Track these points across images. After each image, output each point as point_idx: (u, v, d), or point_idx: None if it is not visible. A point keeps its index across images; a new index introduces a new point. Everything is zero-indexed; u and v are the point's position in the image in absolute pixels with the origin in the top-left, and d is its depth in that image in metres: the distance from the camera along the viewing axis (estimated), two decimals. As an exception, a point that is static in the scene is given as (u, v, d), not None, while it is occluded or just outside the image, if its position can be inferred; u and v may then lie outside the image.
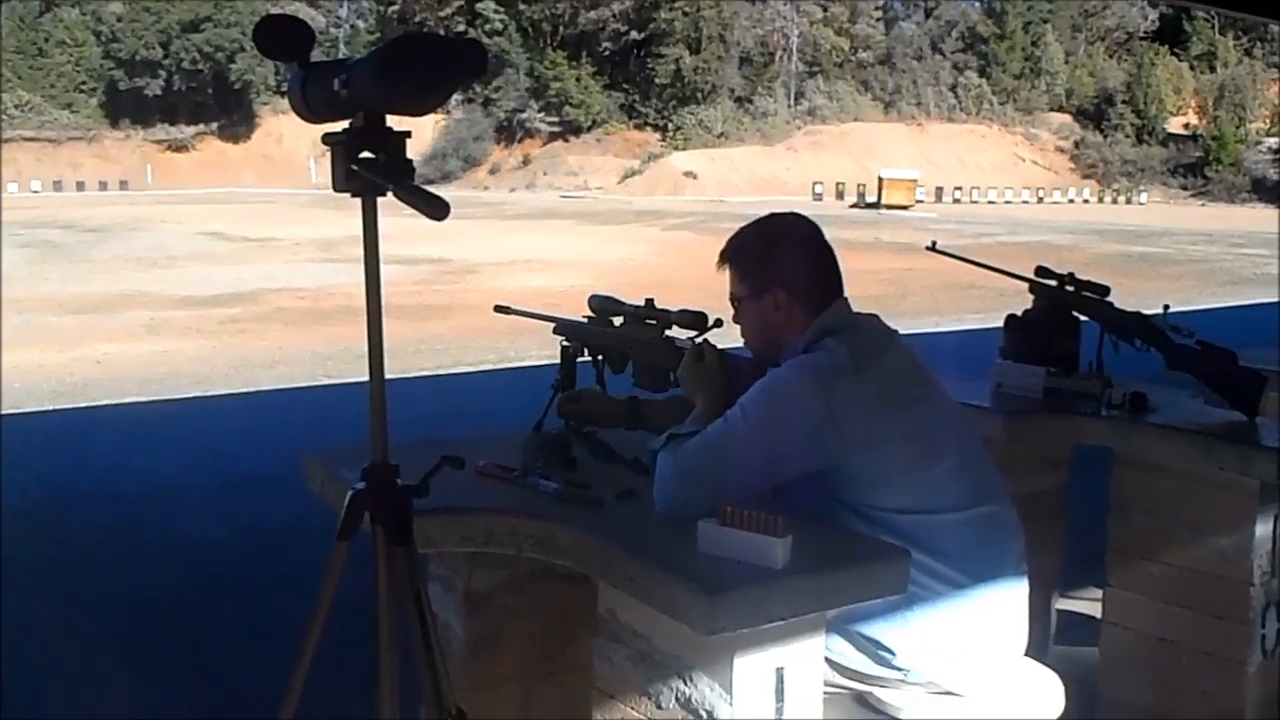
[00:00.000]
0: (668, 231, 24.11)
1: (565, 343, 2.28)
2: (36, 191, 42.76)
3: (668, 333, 2.13)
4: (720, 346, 2.01)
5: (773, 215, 1.98)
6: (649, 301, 2.16)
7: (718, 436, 1.79)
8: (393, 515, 1.56)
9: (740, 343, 2.01)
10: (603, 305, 2.23)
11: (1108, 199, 47.70)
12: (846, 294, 1.95)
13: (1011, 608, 1.89)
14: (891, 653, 1.83)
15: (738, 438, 1.77)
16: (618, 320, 2.21)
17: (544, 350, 8.93)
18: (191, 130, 52.33)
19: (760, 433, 1.77)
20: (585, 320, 2.26)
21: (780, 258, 1.92)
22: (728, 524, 1.63)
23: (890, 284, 14.76)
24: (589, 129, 52.08)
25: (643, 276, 14.94)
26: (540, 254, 18.46)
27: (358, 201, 1.50)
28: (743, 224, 1.98)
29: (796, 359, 1.85)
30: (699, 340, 2.02)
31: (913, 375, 1.91)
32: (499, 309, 2.45)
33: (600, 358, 2.25)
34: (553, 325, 2.31)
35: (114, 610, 3.67)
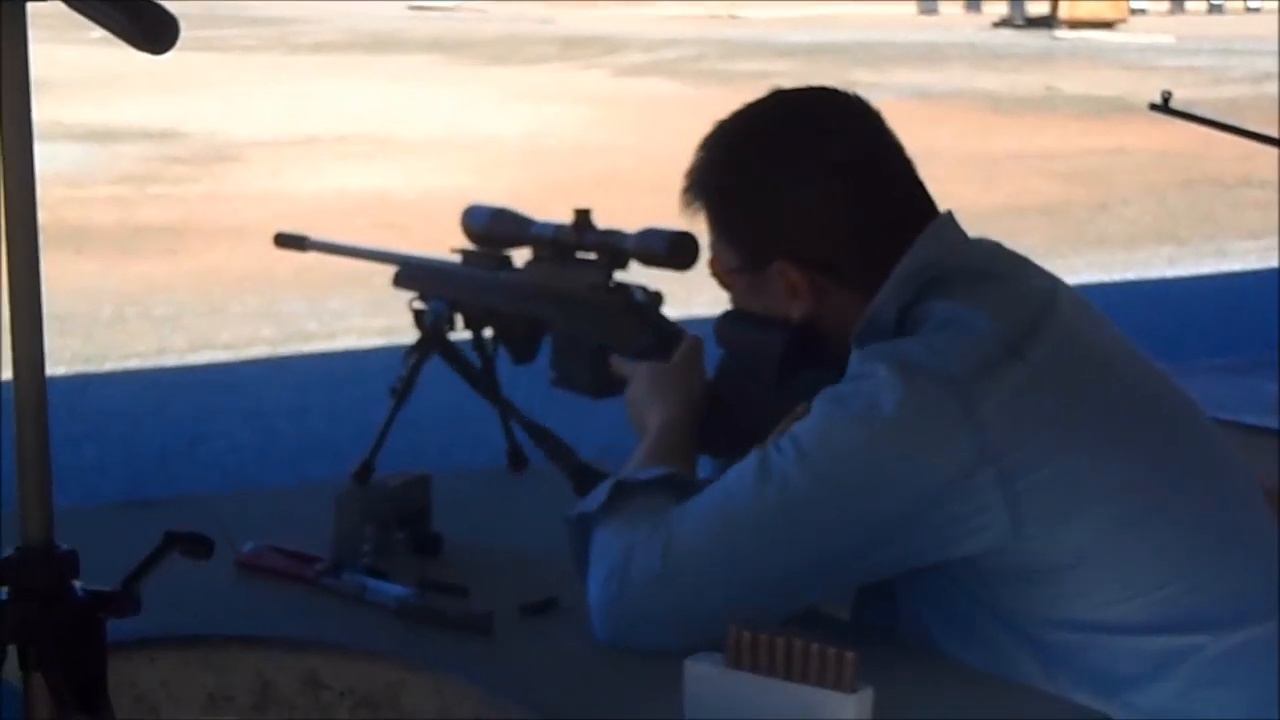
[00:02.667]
0: (622, 79, 23.83)
1: (419, 304, 2.35)
2: None
3: (618, 277, 2.21)
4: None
5: (780, 99, 2.09)
6: (582, 216, 2.23)
7: (747, 507, 1.88)
8: (66, 653, 1.56)
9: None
10: (491, 227, 2.30)
11: None
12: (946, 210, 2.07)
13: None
14: None
15: (793, 509, 1.86)
16: (520, 256, 2.30)
17: (374, 319, 8.85)
18: None
19: (844, 503, 1.85)
20: (457, 259, 2.34)
21: (794, 200, 2.01)
22: (744, 664, 1.66)
23: (1080, 181, 14.57)
24: None
25: (572, 169, 14.63)
26: (369, 122, 18.19)
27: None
28: (753, 100, 2.08)
29: (889, 351, 1.92)
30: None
31: (1105, 361, 1.99)
32: (283, 240, 2.52)
33: (489, 333, 2.34)
34: (395, 270, 2.40)
35: None
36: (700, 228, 2.10)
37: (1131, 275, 9.37)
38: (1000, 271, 1.99)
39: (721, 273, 2.09)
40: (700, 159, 2.07)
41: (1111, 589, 1.87)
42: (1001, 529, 1.84)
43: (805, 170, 2.00)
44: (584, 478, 2.15)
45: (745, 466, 1.90)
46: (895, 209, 2.02)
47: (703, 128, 2.08)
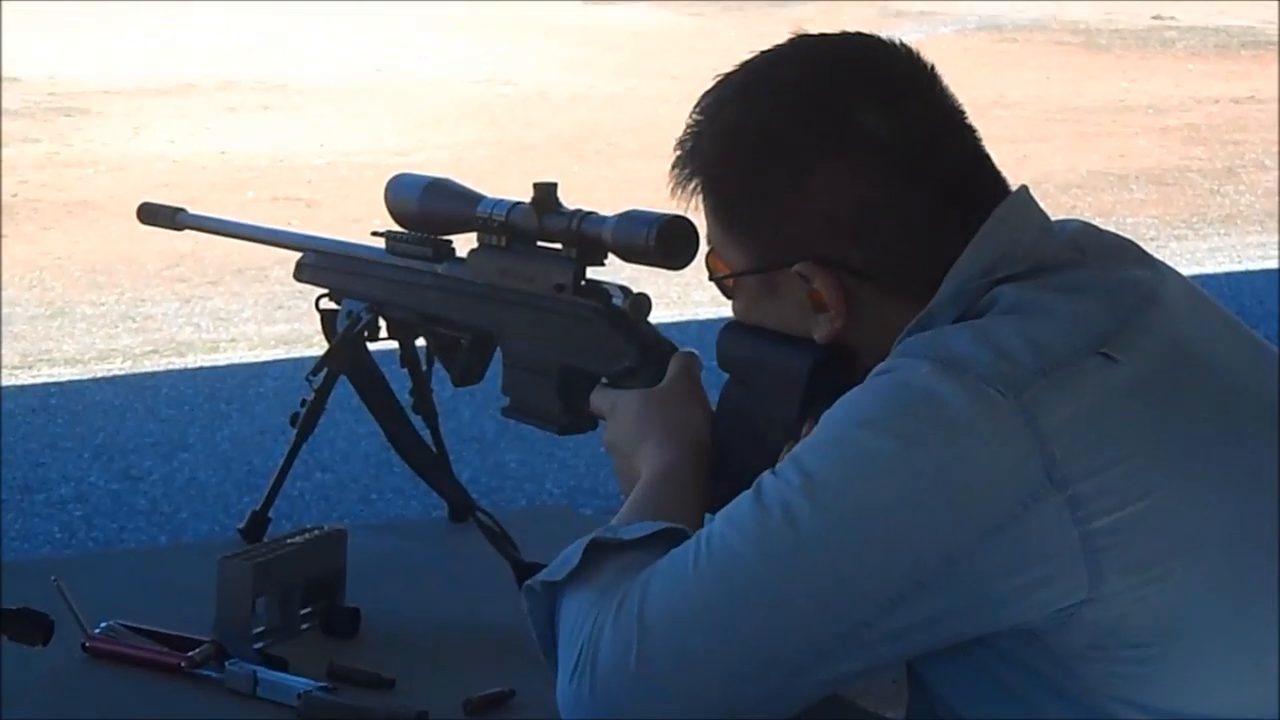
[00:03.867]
0: (601, 5, 22.57)
1: (329, 303, 2.33)
2: None
3: (591, 276, 2.13)
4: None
5: (804, 49, 1.92)
6: (545, 192, 2.13)
7: (738, 552, 1.75)
8: None
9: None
10: (426, 205, 2.23)
11: None
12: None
13: None
14: None
15: (798, 552, 1.73)
16: (464, 244, 2.24)
17: (270, 324, 8.69)
18: None
19: (865, 540, 1.72)
20: (381, 245, 2.30)
21: (821, 185, 1.86)
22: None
23: (1200, 139, 13.80)
24: None
25: (533, 126, 14.29)
26: (265, 64, 17.10)
27: None
28: (768, 49, 1.92)
29: (930, 342, 1.79)
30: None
31: (1221, 374, 1.86)
32: (150, 213, 2.50)
33: (419, 342, 2.29)
34: (297, 258, 2.37)
35: None
36: (698, 213, 1.93)
37: (1271, 263, 8.93)
38: (1089, 260, 1.83)
39: (723, 274, 1.93)
40: (698, 125, 1.90)
41: (1220, 671, 1.74)
42: (1075, 580, 1.68)
43: (836, 147, 1.85)
44: (527, 574, 1.95)
45: (735, 505, 1.76)
46: (952, 195, 1.86)
47: (705, 72, 1.88)
